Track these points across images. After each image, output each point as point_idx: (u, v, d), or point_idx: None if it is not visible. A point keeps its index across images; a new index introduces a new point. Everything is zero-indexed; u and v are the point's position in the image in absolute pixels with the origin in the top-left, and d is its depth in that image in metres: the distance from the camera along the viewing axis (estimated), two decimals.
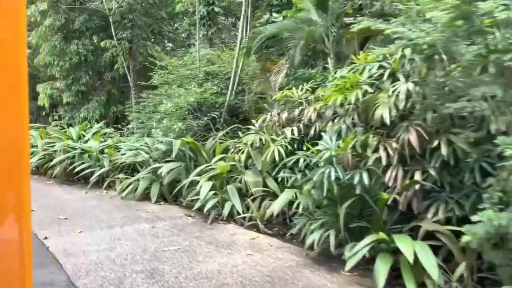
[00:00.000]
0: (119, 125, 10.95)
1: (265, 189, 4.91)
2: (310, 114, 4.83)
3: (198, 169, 5.47)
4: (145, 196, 6.02)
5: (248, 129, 6.21)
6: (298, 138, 4.91)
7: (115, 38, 11.57)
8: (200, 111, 7.02)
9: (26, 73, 0.93)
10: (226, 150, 5.85)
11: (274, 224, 4.80)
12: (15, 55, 0.91)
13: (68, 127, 12.28)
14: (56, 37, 12.35)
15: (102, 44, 11.79)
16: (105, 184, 6.82)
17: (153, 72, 8.63)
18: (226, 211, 4.79)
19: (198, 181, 5.31)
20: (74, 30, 12.53)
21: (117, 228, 4.53)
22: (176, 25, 13.78)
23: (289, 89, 5.47)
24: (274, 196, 4.90)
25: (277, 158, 4.73)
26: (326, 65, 7.73)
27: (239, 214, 4.86)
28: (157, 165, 6.04)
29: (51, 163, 7.49)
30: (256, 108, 6.99)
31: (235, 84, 7.23)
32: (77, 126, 9.58)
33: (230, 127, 6.41)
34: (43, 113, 13.63)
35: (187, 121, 6.45)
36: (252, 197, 4.90)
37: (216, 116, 6.99)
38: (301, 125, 4.96)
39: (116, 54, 11.91)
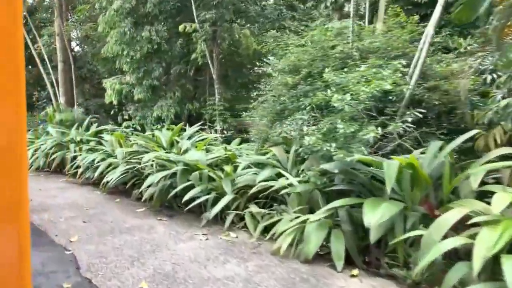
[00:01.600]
0: (205, 127, 8.75)
1: None
2: None
3: (447, 222, 2.82)
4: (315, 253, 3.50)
5: None
6: None
7: (196, 21, 9.32)
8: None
9: (23, 64, 0.82)
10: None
11: None
12: (10, 45, 0.80)
13: (141, 129, 10.37)
14: (126, 22, 10.43)
15: (180, 28, 9.57)
16: (228, 220, 4.41)
17: (269, 55, 6.18)
18: None
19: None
20: (145, 14, 10.54)
21: None
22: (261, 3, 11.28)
23: None
24: None
25: None
26: None
27: None
28: (339, 202, 3.47)
29: (144, 184, 5.21)
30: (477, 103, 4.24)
31: (421, 65, 4.54)
32: (167, 129, 7.33)
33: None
34: (111, 112, 11.78)
35: (369, 124, 3.81)
36: None
37: (393, 115, 4.35)
38: None
39: (196, 40, 9.69)
